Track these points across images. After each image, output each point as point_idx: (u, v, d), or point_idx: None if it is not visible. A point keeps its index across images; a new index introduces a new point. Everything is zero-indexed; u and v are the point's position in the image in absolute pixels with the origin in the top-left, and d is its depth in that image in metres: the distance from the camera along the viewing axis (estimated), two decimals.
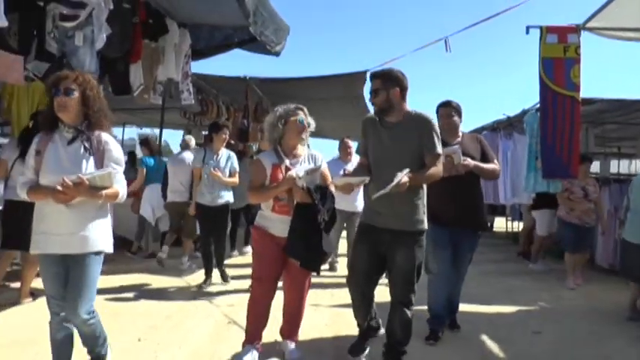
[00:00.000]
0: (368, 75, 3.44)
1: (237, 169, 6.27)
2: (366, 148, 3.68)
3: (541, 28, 6.88)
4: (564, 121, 6.80)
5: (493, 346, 4.29)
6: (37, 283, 5.12)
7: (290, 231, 3.47)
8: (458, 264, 4.49)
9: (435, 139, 3.43)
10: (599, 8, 6.37)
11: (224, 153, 6.19)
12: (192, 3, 5.75)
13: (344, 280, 3.94)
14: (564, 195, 6.81)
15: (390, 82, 3.46)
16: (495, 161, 4.58)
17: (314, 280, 4.15)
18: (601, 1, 6.32)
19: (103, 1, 4.58)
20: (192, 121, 10.27)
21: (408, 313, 3.51)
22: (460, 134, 4.51)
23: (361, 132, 3.71)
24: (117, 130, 14.11)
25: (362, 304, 3.72)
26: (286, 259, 3.61)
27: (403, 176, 3.15)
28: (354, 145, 7.12)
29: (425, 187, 3.54)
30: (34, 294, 5.09)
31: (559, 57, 6.83)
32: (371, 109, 3.74)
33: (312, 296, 4.47)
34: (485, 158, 4.46)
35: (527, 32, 6.91)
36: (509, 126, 9.05)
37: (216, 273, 6.32)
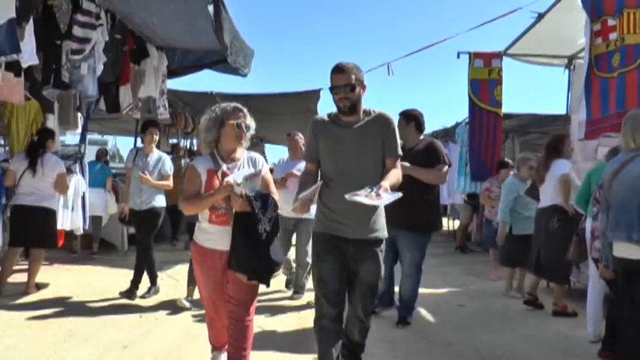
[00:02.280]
0: (334, 67, 3.10)
1: (170, 172, 5.88)
2: (316, 153, 3.24)
3: (470, 53, 8.15)
4: (488, 132, 8.06)
5: (426, 314, 5.37)
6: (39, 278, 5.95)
7: (231, 244, 3.13)
8: (401, 263, 4.90)
9: (397, 139, 3.20)
10: (516, 38, 7.65)
11: (155, 155, 5.80)
12: (172, 31, 6.66)
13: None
14: (484, 194, 7.66)
15: (360, 77, 3.12)
16: (443, 166, 4.77)
17: (277, 303, 4.52)
18: (518, 32, 7.57)
19: (101, 35, 5.47)
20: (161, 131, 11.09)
21: (369, 321, 3.36)
22: (420, 139, 4.89)
23: (310, 134, 3.28)
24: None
25: (334, 327, 3.15)
26: (230, 274, 3.20)
27: (383, 192, 2.79)
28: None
29: None
30: (39, 286, 5.86)
31: (484, 78, 8.11)
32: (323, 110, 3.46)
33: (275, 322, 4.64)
34: (428, 163, 4.72)
35: (458, 57, 8.19)
36: (446, 135, 10.31)
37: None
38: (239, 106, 3.31)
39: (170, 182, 5.90)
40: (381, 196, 2.76)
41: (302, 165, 5.60)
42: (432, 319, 5.30)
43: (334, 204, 3.11)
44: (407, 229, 4.67)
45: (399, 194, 2.82)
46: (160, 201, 5.84)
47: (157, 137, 5.85)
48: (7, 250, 5.77)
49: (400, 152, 3.24)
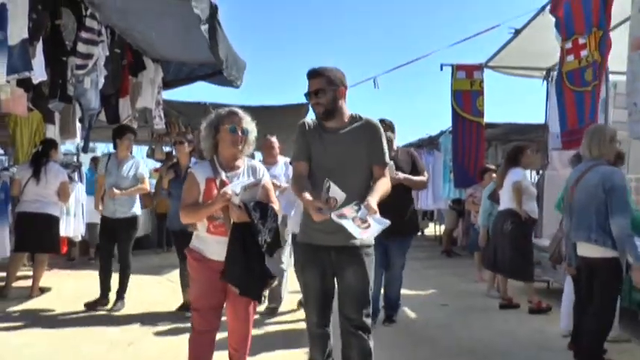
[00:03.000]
0: (307, 72, 3.00)
1: (145, 174, 5.85)
2: (306, 152, 3.06)
3: (452, 66, 8.52)
4: (471, 141, 8.43)
5: (410, 313, 5.69)
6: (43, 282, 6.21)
7: (226, 254, 3.00)
8: (390, 266, 5.02)
9: (385, 147, 3.05)
10: (496, 51, 8.02)
11: (129, 160, 5.72)
12: (168, 45, 6.96)
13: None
14: (469, 200, 8.11)
15: (335, 80, 2.96)
16: (425, 173, 5.11)
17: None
18: (498, 45, 7.96)
19: (102, 50, 5.77)
20: (155, 139, 11.37)
21: (368, 341, 2.95)
22: (395, 148, 4.98)
23: (298, 135, 3.10)
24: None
25: (321, 335, 3.11)
26: (227, 286, 3.09)
27: (371, 217, 2.68)
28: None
29: None
30: (42, 290, 6.12)
31: (467, 89, 8.48)
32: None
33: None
34: (415, 171, 4.95)
35: (442, 69, 8.56)
36: (430, 144, 10.69)
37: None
38: (234, 109, 3.16)
39: (146, 185, 5.82)
40: (369, 226, 2.63)
41: (276, 170, 5.58)
42: (416, 317, 5.63)
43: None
44: (398, 234, 4.66)
45: (387, 222, 2.68)
46: (136, 209, 5.79)
47: (130, 142, 5.77)
48: (13, 255, 6.05)
49: (388, 160, 3.08)
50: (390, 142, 4.36)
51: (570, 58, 5.02)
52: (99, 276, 5.64)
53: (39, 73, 4.49)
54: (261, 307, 5.44)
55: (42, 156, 5.93)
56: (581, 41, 4.97)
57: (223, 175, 3.13)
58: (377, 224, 2.64)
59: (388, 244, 4.76)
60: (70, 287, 5.61)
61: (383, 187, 2.93)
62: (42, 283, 6.18)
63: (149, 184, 6.08)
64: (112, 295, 5.67)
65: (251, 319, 3.26)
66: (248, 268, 2.97)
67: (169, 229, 6.03)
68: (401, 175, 4.67)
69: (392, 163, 4.19)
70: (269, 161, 5.70)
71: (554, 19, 5.37)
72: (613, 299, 3.69)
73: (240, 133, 3.08)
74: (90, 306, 5.49)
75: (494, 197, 6.36)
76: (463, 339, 4.86)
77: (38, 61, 4.48)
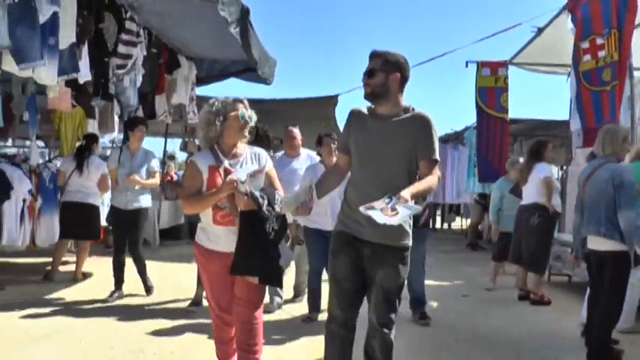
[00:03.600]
0: (369, 53, 2.91)
1: (157, 168, 5.88)
2: (346, 144, 3.00)
3: (477, 63, 8.68)
4: (495, 136, 8.58)
5: (433, 304, 5.91)
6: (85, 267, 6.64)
7: (238, 245, 2.93)
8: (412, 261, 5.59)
9: (434, 142, 2.86)
10: (520, 49, 8.18)
11: (141, 152, 5.68)
12: (202, 44, 7.31)
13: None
14: None
15: (392, 64, 2.84)
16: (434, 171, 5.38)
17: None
18: (523, 42, 8.10)
19: (140, 50, 6.13)
20: (188, 133, 11.79)
21: (390, 335, 2.91)
22: None
23: (344, 126, 3.07)
24: None
25: (343, 339, 2.98)
26: (235, 280, 3.03)
27: (401, 205, 2.51)
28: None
29: None
30: (85, 274, 6.55)
31: (491, 86, 8.64)
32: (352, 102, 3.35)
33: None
34: None
35: (467, 66, 8.74)
36: (456, 139, 10.85)
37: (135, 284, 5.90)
38: (239, 97, 3.14)
39: (157, 179, 5.88)
40: (397, 212, 2.46)
41: (297, 164, 5.35)
42: (437, 306, 5.85)
43: (354, 202, 2.83)
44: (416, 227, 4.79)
45: (418, 208, 2.60)
46: (147, 201, 5.83)
47: (143, 134, 5.72)
48: (58, 242, 6.49)
49: (437, 157, 2.87)
50: None
51: (587, 57, 5.17)
52: (113, 268, 5.72)
53: (84, 74, 4.87)
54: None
55: (85, 149, 6.33)
56: (599, 42, 5.11)
57: (226, 162, 3.05)
58: (406, 210, 2.48)
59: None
60: (108, 273, 5.98)
61: (425, 183, 2.74)
62: (84, 269, 6.60)
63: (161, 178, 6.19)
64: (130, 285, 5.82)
65: (262, 309, 3.17)
66: (264, 256, 2.92)
67: (190, 220, 6.11)
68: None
69: None
70: (290, 153, 5.54)
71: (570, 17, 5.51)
72: (621, 290, 3.87)
73: (248, 120, 3.07)
74: (107, 300, 5.55)
75: (516, 192, 6.52)
76: (481, 327, 5.09)
77: (84, 63, 4.86)
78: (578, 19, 5.31)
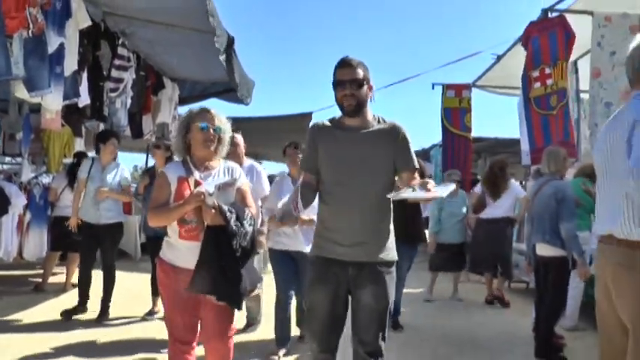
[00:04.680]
0: (340, 60, 2.71)
1: (129, 182, 5.71)
2: (313, 162, 2.81)
3: (443, 85, 9.32)
4: (459, 154, 9.21)
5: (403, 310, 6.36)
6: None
7: (199, 260, 2.74)
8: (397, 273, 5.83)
9: (412, 151, 2.79)
10: (482, 73, 8.83)
11: (113, 165, 5.52)
12: (187, 68, 7.77)
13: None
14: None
15: (367, 75, 2.70)
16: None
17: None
18: (485, 67, 8.77)
19: (130, 74, 6.56)
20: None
21: None
22: None
23: (307, 141, 2.87)
24: None
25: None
26: (201, 299, 2.83)
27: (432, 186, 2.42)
28: None
29: (392, 209, 2.80)
30: (74, 285, 6.86)
31: (456, 107, 9.28)
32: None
33: None
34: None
35: (433, 88, 9.37)
36: (423, 155, 11.47)
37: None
38: (207, 107, 2.99)
39: (131, 193, 5.74)
40: (432, 189, 2.38)
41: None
42: (404, 310, 6.26)
43: (330, 221, 2.73)
44: (407, 242, 4.76)
45: (453, 185, 2.60)
46: (121, 215, 5.68)
47: (115, 148, 5.55)
48: (49, 254, 6.82)
49: (417, 165, 2.80)
50: None
51: (537, 85, 5.81)
52: (79, 283, 5.63)
53: (84, 98, 5.29)
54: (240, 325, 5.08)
55: (76, 166, 6.68)
56: (547, 71, 5.76)
57: (197, 174, 2.90)
58: (442, 187, 2.45)
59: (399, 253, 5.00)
60: (97, 283, 6.29)
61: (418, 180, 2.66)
62: (73, 280, 6.91)
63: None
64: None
65: (231, 334, 2.99)
66: (224, 273, 2.71)
67: (144, 233, 5.83)
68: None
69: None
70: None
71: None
72: (563, 290, 4.48)
73: (212, 131, 2.86)
74: (67, 314, 5.41)
75: (478, 207, 7.09)
76: (444, 327, 5.63)
77: (83, 88, 5.27)
78: (529, 51, 5.96)
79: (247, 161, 5.00)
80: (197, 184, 2.85)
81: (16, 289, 6.71)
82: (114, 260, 5.57)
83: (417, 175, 2.76)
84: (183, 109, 9.71)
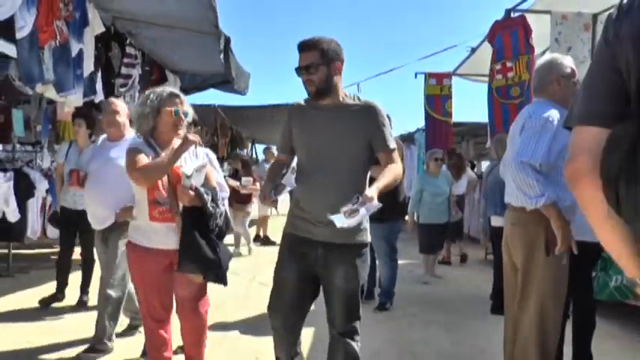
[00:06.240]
0: (298, 44, 2.67)
1: None
2: (287, 143, 2.86)
3: (425, 74, 10.02)
4: (441, 137, 9.94)
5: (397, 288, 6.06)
6: None
7: (182, 243, 2.80)
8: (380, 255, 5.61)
9: (388, 131, 2.72)
10: (459, 64, 9.54)
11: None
12: (187, 62, 8.47)
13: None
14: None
15: (330, 52, 2.62)
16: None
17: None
18: (463, 56, 9.46)
19: (137, 70, 7.27)
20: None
21: (354, 345, 2.67)
22: None
23: (284, 123, 2.89)
24: None
25: (287, 338, 2.81)
26: (173, 280, 2.94)
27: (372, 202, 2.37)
28: None
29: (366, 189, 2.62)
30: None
31: (437, 94, 9.98)
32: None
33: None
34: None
35: (416, 77, 10.07)
36: (408, 139, 12.23)
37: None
38: (175, 91, 3.00)
39: None
40: (358, 212, 2.35)
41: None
42: (400, 293, 6.14)
43: (303, 200, 2.73)
44: (388, 219, 5.17)
45: (377, 205, 2.40)
46: None
47: (80, 129, 5.26)
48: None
49: (394, 145, 2.75)
50: None
51: (499, 76, 6.53)
52: (57, 269, 5.50)
53: (99, 95, 6.01)
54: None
55: None
56: (508, 64, 6.48)
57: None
58: (364, 210, 2.37)
59: (378, 230, 4.98)
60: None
61: (389, 175, 2.61)
62: None
63: None
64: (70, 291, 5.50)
65: (206, 309, 3.12)
66: (206, 253, 2.81)
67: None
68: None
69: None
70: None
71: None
72: None
73: (182, 116, 2.91)
74: (45, 302, 5.32)
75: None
76: (423, 293, 6.44)
77: (98, 86, 6.00)
78: (494, 46, 6.67)
79: (130, 132, 4.07)
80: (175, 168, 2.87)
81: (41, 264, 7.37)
82: (92, 245, 4.71)
83: (394, 155, 2.72)
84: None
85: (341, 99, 2.71)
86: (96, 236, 4.13)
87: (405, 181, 12.10)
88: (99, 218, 3.90)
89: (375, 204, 2.38)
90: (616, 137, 1.07)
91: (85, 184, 4.03)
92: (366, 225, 2.74)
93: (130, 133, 4.01)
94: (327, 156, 2.67)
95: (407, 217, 7.06)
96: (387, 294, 5.63)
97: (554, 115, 2.78)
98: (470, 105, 36.00)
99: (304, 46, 2.63)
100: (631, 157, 1.02)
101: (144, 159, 2.80)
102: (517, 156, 2.76)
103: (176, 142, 2.90)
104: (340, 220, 2.37)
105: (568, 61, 3.03)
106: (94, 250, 4.63)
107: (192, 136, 2.80)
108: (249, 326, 4.91)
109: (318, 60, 2.60)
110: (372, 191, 2.41)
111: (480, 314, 5.46)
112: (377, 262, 5.74)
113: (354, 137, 2.66)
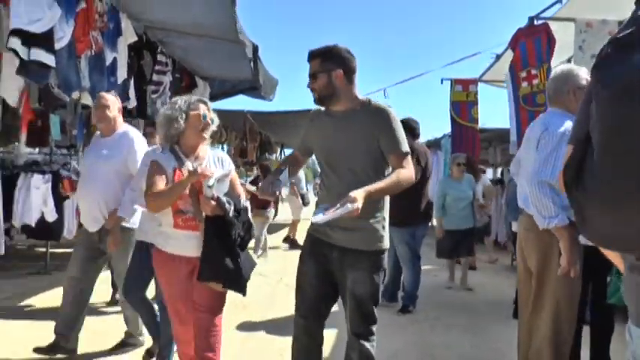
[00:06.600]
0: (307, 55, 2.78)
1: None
2: (302, 143, 3.05)
3: (451, 80, 10.04)
4: (467, 144, 9.93)
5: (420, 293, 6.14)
6: None
7: (204, 251, 2.84)
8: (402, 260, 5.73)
9: (399, 134, 2.71)
10: (484, 70, 9.55)
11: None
12: (217, 69, 8.70)
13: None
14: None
15: (331, 61, 2.70)
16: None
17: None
18: (485, 63, 9.49)
19: (168, 77, 7.52)
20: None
21: (368, 346, 2.73)
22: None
23: (306, 125, 3.04)
24: None
25: (309, 345, 2.89)
26: (195, 286, 2.94)
27: (353, 203, 2.35)
28: None
29: (387, 196, 2.79)
30: None
31: (463, 100, 9.98)
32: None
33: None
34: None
35: (442, 83, 10.09)
36: (435, 145, 12.25)
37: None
38: (203, 98, 3.10)
39: None
40: (329, 212, 2.43)
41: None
42: (425, 297, 6.25)
43: (322, 203, 2.76)
44: (411, 224, 5.49)
45: (349, 208, 2.35)
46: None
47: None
48: None
49: (406, 149, 2.71)
50: None
51: (525, 84, 6.56)
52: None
53: (132, 101, 6.26)
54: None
55: None
56: (533, 72, 6.51)
57: (190, 164, 2.92)
58: (340, 210, 2.38)
59: (416, 235, 5.60)
60: None
61: (390, 179, 2.61)
62: None
63: None
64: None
65: (221, 320, 3.07)
66: (228, 262, 2.85)
67: None
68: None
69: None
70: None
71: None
72: None
73: (209, 121, 2.98)
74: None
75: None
76: (447, 297, 6.49)
77: (131, 93, 6.24)
78: (517, 53, 6.70)
79: (123, 126, 4.08)
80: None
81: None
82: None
83: (405, 161, 2.70)
84: (213, 105, 10.68)
85: (353, 104, 2.78)
86: (75, 250, 4.02)
87: (430, 186, 12.28)
88: (93, 218, 3.86)
89: (352, 207, 2.35)
90: (570, 157, 1.47)
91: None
92: (384, 233, 2.77)
93: (123, 128, 4.04)
94: (341, 160, 2.75)
95: (434, 223, 7.11)
96: (410, 297, 5.71)
97: (569, 127, 2.84)
98: (493, 111, 36.05)
99: (309, 56, 2.77)
100: (579, 173, 1.38)
101: (160, 183, 2.83)
102: (536, 175, 2.82)
103: (202, 150, 3.02)
104: (318, 217, 2.46)
105: (584, 73, 3.09)
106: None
107: (200, 169, 2.76)
108: (274, 326, 5.07)
109: (318, 68, 2.72)
110: (357, 192, 2.41)
111: (502, 318, 5.50)
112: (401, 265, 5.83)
113: (365, 140, 2.71)
